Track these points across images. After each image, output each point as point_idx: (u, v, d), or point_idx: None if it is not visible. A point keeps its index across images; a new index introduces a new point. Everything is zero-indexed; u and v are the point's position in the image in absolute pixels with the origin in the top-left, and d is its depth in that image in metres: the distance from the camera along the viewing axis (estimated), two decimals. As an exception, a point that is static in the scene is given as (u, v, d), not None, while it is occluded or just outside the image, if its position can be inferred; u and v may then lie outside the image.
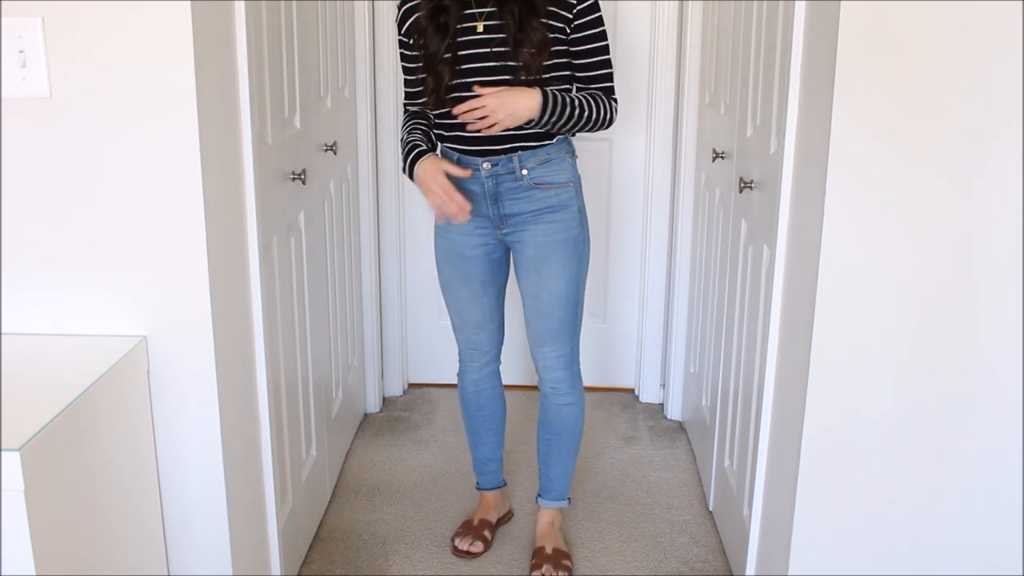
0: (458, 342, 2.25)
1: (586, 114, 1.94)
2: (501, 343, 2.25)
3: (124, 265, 1.57)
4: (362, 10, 2.79)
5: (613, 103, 2.01)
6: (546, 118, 1.90)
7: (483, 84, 1.91)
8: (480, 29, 1.92)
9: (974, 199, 1.53)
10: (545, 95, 1.89)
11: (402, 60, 2.09)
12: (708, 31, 2.68)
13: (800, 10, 1.67)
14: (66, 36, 1.47)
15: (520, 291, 2.12)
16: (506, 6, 1.90)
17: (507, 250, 2.13)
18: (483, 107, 1.88)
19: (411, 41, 2.01)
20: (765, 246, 1.91)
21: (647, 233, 3.05)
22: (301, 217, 2.17)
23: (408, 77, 2.10)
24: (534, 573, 2.19)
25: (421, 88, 2.05)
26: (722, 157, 2.40)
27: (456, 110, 1.92)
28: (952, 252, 1.56)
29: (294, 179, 2.06)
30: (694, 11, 2.75)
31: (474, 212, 2.02)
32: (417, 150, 2.01)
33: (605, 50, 1.98)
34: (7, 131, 1.51)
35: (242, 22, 1.67)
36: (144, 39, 1.47)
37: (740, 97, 2.19)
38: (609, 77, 2.00)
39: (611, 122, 2.01)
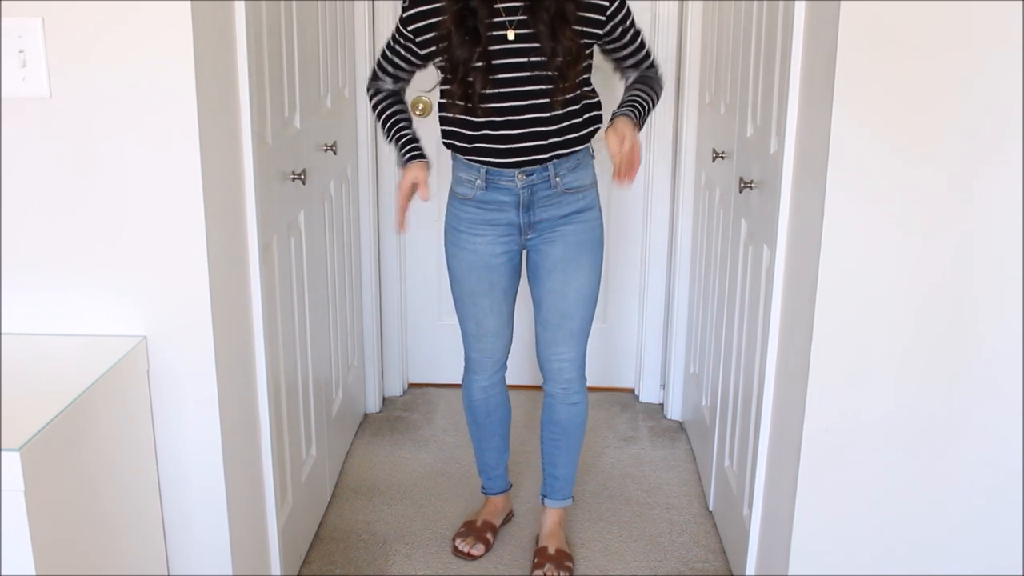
0: (470, 352, 2.21)
1: (653, 105, 2.06)
2: (510, 349, 2.24)
3: (124, 265, 1.57)
4: (362, 10, 2.79)
5: (657, 69, 2.12)
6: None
7: (516, 95, 1.90)
8: (511, 37, 1.88)
9: (974, 199, 1.53)
10: (635, 118, 1.97)
11: (394, 44, 2.02)
12: (708, 31, 2.68)
13: (800, 10, 1.67)
14: (66, 36, 1.47)
15: (538, 294, 2.10)
16: (537, 14, 1.86)
17: (523, 254, 2.13)
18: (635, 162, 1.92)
19: (419, 39, 1.96)
20: (765, 246, 1.91)
21: (647, 233, 3.05)
22: (301, 217, 2.17)
23: (391, 59, 2.04)
24: (536, 573, 2.19)
25: (400, 70, 2.04)
26: (722, 157, 2.40)
27: (624, 185, 1.92)
28: (952, 252, 1.56)
29: (294, 179, 2.06)
30: (694, 11, 2.75)
31: (500, 221, 2.03)
32: (413, 149, 2.01)
33: (638, 31, 2.05)
34: (7, 131, 1.51)
35: (242, 22, 1.67)
36: (144, 39, 1.47)
37: (740, 97, 2.19)
38: (646, 49, 2.08)
39: (663, 84, 2.13)
